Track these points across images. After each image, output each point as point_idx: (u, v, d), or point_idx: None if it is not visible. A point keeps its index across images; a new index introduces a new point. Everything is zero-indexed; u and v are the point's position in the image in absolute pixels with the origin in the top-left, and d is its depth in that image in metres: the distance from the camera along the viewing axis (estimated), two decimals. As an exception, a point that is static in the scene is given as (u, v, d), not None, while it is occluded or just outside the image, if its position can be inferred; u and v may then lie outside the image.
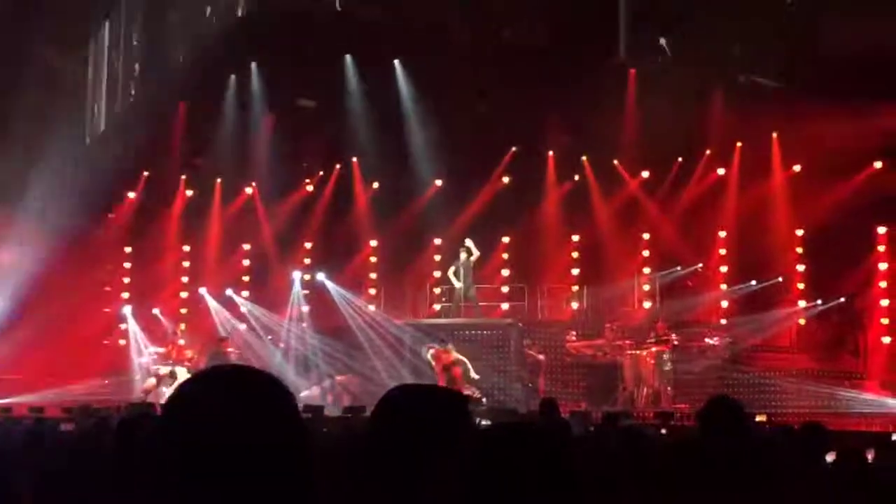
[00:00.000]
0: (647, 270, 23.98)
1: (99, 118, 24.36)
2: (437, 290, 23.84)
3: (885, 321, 22.89)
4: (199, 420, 1.79)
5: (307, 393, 20.95)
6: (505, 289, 24.25)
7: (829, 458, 7.20)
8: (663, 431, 14.52)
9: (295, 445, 1.83)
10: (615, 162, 24.35)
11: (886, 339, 22.44)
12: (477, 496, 1.76)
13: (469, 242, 21.82)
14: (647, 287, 23.79)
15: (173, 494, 1.76)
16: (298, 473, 1.82)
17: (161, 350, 21.08)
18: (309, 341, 23.05)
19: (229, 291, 23.56)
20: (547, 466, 1.78)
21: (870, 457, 8.85)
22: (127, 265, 25.53)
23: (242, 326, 23.38)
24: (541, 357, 21.42)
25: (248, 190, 25.26)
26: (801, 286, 23.40)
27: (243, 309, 23.47)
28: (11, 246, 21.81)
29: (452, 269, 21.98)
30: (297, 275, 24.00)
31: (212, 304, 23.31)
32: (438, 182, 24.51)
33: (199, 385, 1.87)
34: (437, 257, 24.39)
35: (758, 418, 16.45)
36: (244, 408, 1.80)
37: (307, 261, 25.09)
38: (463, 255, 21.86)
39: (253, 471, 1.76)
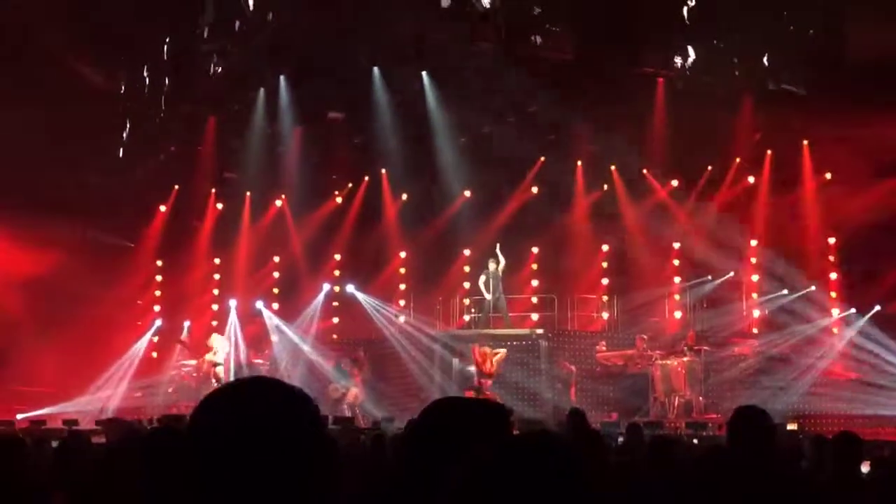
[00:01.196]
0: (677, 280, 23.84)
1: (131, 132, 24.60)
2: (467, 301, 23.83)
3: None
4: (224, 432, 1.80)
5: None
6: (534, 299, 24.19)
7: (864, 468, 7.12)
8: (695, 441, 14.43)
9: (319, 456, 1.84)
10: (644, 171, 24.25)
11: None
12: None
13: (497, 251, 21.82)
14: (677, 297, 23.65)
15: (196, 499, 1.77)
16: (323, 484, 1.83)
17: (192, 363, 21.22)
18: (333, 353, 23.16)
19: (259, 303, 23.66)
20: (566, 477, 1.78)
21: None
22: (158, 278, 25.74)
23: (274, 338, 23.45)
24: (572, 368, 21.35)
25: (278, 202, 25.39)
26: (833, 294, 23.18)
27: (270, 322, 23.51)
28: (47, 257, 22.04)
29: (483, 279, 21.96)
30: (324, 287, 24.07)
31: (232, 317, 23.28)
32: (467, 193, 24.52)
33: (223, 397, 1.89)
34: (467, 268, 24.38)
35: (789, 427, 16.32)
36: (268, 419, 1.81)
37: (336, 273, 25.19)
38: (492, 266, 21.84)
39: (278, 482, 1.77)
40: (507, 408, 2.66)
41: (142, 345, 23.87)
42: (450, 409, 2.58)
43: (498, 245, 21.92)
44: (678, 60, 21.96)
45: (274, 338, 23.35)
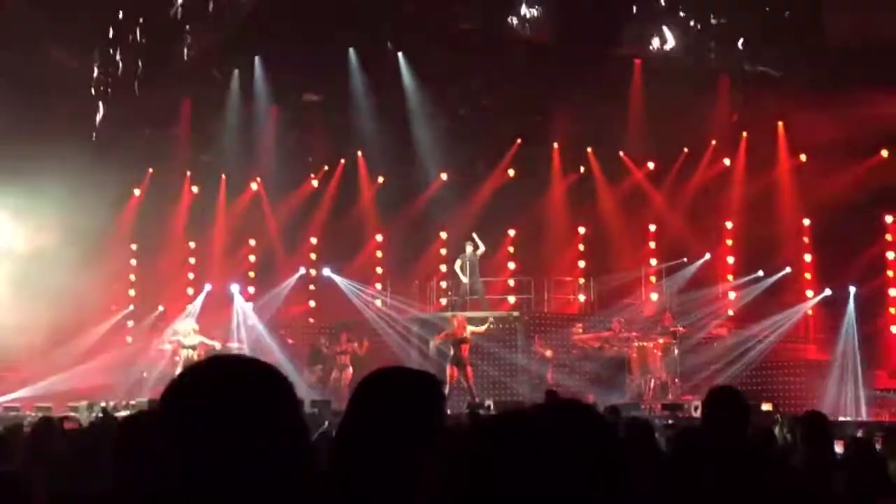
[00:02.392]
0: (653, 262, 23.91)
1: (105, 115, 24.37)
2: (444, 284, 23.82)
3: (893, 310, 22.83)
4: (197, 410, 1.77)
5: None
6: (511, 282, 24.22)
7: (839, 447, 7.17)
8: (670, 422, 14.50)
9: (295, 434, 1.81)
10: (621, 153, 24.29)
11: (895, 329, 22.36)
12: (478, 482, 1.73)
13: (475, 236, 21.79)
14: (653, 279, 23.74)
15: (170, 485, 1.74)
16: (299, 461, 1.80)
17: (167, 348, 21.14)
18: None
19: (234, 287, 23.52)
20: (552, 450, 1.76)
21: (878, 446, 8.83)
22: (133, 262, 25.58)
23: (250, 322, 23.36)
24: (548, 353, 21.39)
25: (254, 185, 25.25)
26: (808, 276, 23.32)
27: (241, 307, 23.39)
28: (21, 240, 21.90)
29: (458, 262, 21.94)
30: (300, 270, 23.98)
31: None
32: (444, 175, 24.48)
33: (195, 375, 1.86)
34: (444, 251, 24.37)
35: (763, 407, 16.43)
36: (242, 396, 1.79)
37: (313, 256, 25.13)
38: (469, 249, 21.82)
39: (252, 460, 1.74)
40: (438, 378, 2.65)
41: (109, 327, 23.70)
42: (382, 381, 2.58)
43: (475, 234, 21.88)
44: (655, 42, 21.96)
45: (249, 321, 23.28)
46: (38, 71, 21.21)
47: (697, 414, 15.53)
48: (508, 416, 1.68)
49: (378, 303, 23.54)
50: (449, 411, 16.26)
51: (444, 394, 2.59)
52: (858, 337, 21.12)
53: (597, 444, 1.61)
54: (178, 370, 18.83)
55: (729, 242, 23.84)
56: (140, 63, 23.54)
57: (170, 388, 1.85)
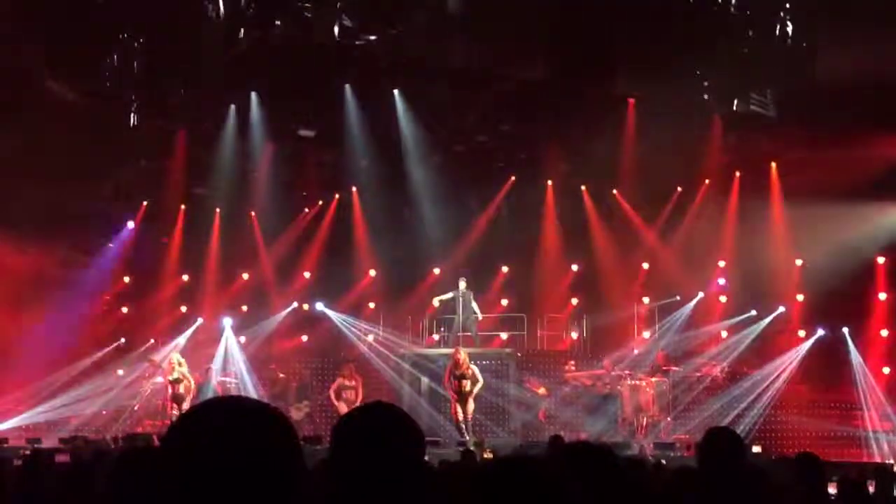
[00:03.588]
0: (646, 300, 23.94)
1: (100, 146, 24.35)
2: (437, 321, 23.81)
3: (885, 351, 22.87)
4: (199, 450, 1.77)
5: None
6: (503, 318, 24.22)
7: (832, 489, 7.16)
8: (663, 462, 14.45)
9: (293, 473, 1.82)
10: (614, 191, 24.40)
11: (886, 370, 22.38)
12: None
13: (462, 283, 21.81)
14: (646, 317, 23.72)
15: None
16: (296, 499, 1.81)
17: (160, 381, 21.06)
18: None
19: (226, 321, 23.47)
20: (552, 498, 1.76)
21: (871, 488, 8.81)
22: (125, 294, 25.51)
23: (242, 357, 23.29)
24: (541, 391, 21.38)
25: (248, 219, 25.24)
26: (800, 316, 23.36)
27: (232, 341, 23.35)
28: (12, 272, 21.85)
29: (450, 295, 21.93)
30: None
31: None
32: (438, 212, 24.52)
33: (197, 416, 1.86)
34: (437, 287, 24.35)
35: (754, 449, 16.40)
36: (243, 437, 1.79)
37: (306, 291, 25.10)
38: (462, 285, 21.86)
39: (253, 499, 1.75)
40: (412, 421, 2.65)
41: (99, 358, 23.62)
42: (359, 420, 2.59)
43: (464, 279, 21.90)
44: (649, 83, 22.05)
45: (241, 356, 23.23)
46: (28, 98, 21.21)
47: (689, 454, 15.49)
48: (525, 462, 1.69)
49: (370, 338, 23.52)
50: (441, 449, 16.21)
51: (419, 438, 2.58)
52: (871, 378, 21.23)
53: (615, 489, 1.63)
54: (170, 405, 18.85)
55: (721, 282, 23.88)
56: (136, 95, 23.54)
57: (171, 430, 1.85)
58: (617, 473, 2.38)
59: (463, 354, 19.08)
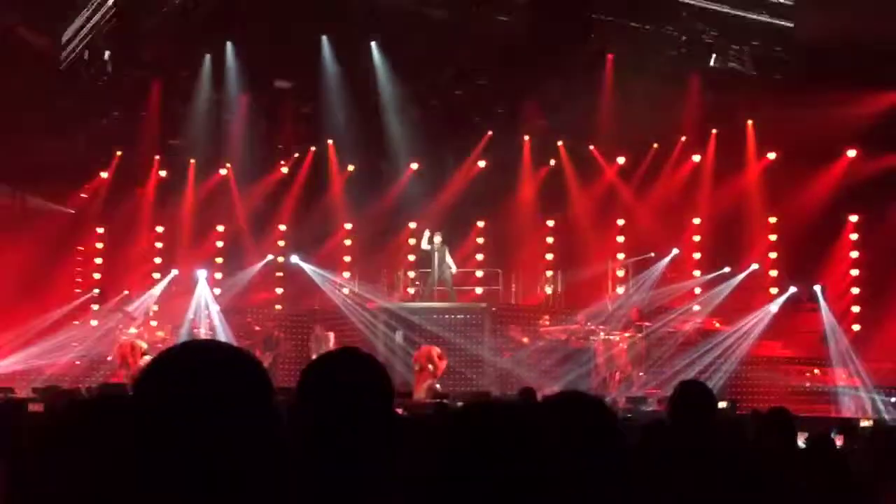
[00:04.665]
0: (621, 256, 24.04)
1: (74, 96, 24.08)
2: (412, 274, 23.84)
3: (855, 309, 23.12)
4: (172, 393, 1.77)
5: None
6: (479, 273, 24.28)
7: (801, 443, 7.26)
8: (629, 416, 14.62)
9: (267, 415, 1.82)
10: (591, 147, 24.38)
11: (856, 327, 22.64)
12: (452, 475, 1.75)
13: (437, 237, 21.84)
14: (620, 273, 23.86)
15: (147, 468, 1.74)
16: (270, 443, 1.81)
17: (133, 331, 21.02)
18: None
19: (200, 273, 23.40)
20: (527, 442, 1.78)
21: (838, 443, 8.94)
22: (99, 245, 25.38)
23: (216, 308, 23.28)
24: (525, 340, 21.55)
25: (223, 171, 25.09)
26: (773, 273, 23.56)
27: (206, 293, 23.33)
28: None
29: (426, 246, 21.93)
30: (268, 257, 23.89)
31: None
32: (414, 166, 24.46)
33: (170, 359, 1.86)
34: (412, 241, 24.36)
35: (721, 405, 16.57)
36: (216, 379, 1.79)
37: (281, 243, 25.06)
38: (437, 239, 21.89)
39: (226, 442, 1.75)
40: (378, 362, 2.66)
41: (73, 308, 23.56)
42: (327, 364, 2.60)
43: (438, 234, 21.91)
44: (628, 37, 21.95)
45: (215, 308, 23.21)
46: (3, 49, 20.92)
47: (661, 408, 15.66)
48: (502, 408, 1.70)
49: (345, 291, 23.54)
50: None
51: (383, 384, 2.59)
52: (840, 334, 21.48)
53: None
54: (140, 356, 18.78)
55: (696, 238, 24.01)
56: (109, 45, 23.23)
57: (143, 375, 1.85)
58: (608, 427, 2.39)
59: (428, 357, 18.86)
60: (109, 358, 21.79)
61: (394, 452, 2.40)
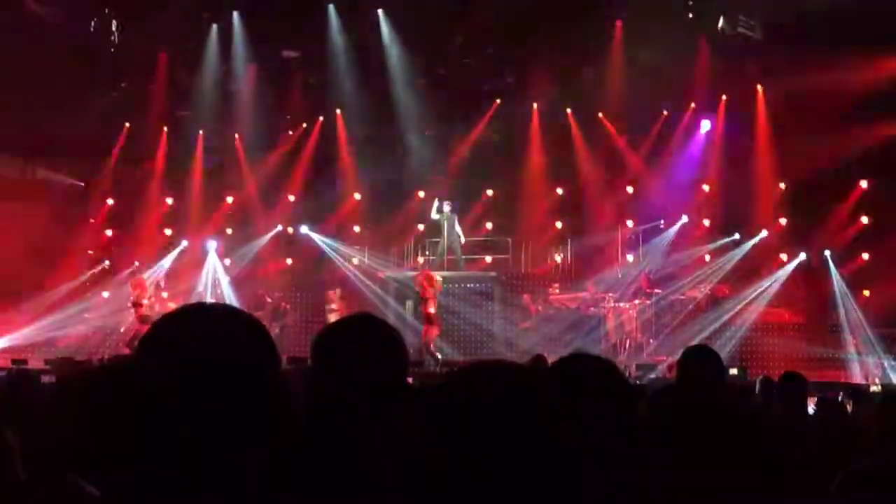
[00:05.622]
0: (630, 223, 23.98)
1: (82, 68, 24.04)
2: (423, 243, 23.86)
3: (864, 274, 23.03)
4: (175, 354, 1.77)
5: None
6: (488, 241, 24.27)
7: (810, 408, 7.27)
8: (643, 382, 14.65)
9: (269, 375, 1.82)
10: (600, 114, 24.25)
11: (866, 293, 22.56)
12: (457, 437, 1.75)
13: (446, 206, 21.87)
14: (629, 239, 23.79)
15: (151, 431, 1.74)
16: (273, 404, 1.81)
17: (144, 302, 21.07)
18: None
19: (210, 244, 23.47)
20: (529, 399, 1.78)
21: (849, 408, 8.95)
22: (109, 217, 25.42)
23: (226, 279, 23.36)
24: (535, 308, 21.63)
25: (231, 142, 25.06)
26: (782, 239, 23.47)
27: (213, 264, 23.41)
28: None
29: (435, 216, 21.99)
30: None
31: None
32: (423, 134, 24.39)
33: (173, 321, 1.86)
34: (421, 210, 24.33)
35: (731, 371, 16.59)
36: (219, 340, 1.79)
37: (290, 213, 25.06)
38: (446, 208, 21.89)
39: (229, 401, 1.75)
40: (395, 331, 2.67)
41: (84, 280, 23.66)
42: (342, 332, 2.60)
43: (449, 203, 21.93)
44: (637, 5, 21.79)
45: (225, 278, 23.30)
46: (9, 22, 20.86)
47: (671, 374, 15.68)
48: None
49: (355, 261, 23.58)
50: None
51: (396, 349, 2.59)
52: (851, 301, 21.44)
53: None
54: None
55: (705, 206, 23.92)
56: (117, 15, 23.15)
57: (146, 336, 1.84)
58: (618, 387, 2.38)
59: (421, 279, 18.90)
60: (122, 329, 21.90)
61: (405, 418, 2.40)
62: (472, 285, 21.88)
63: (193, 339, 1.79)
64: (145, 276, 21.79)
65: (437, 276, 19.09)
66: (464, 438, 1.70)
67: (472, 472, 1.67)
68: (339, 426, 2.43)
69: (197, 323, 1.83)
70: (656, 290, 21.11)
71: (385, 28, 22.97)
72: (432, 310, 18.46)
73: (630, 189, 24.38)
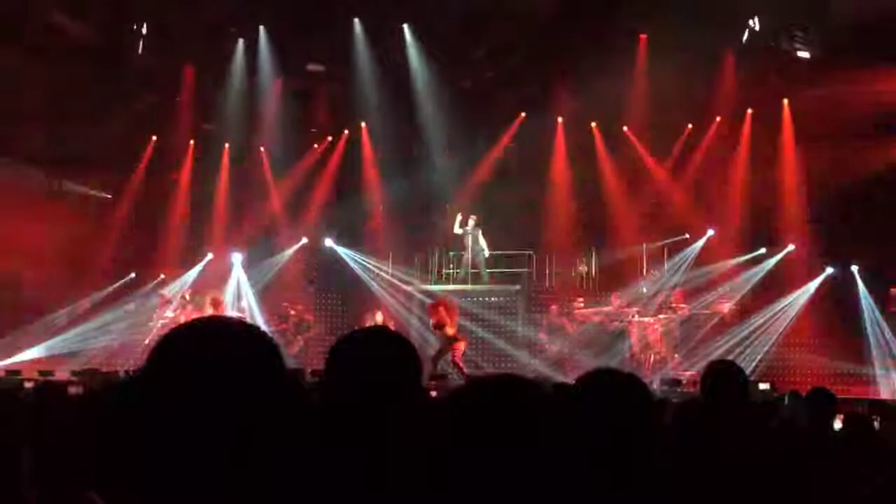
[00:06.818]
0: (654, 237, 23.86)
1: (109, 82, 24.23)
2: (451, 254, 23.86)
3: (893, 290, 22.81)
4: (182, 370, 1.77)
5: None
6: (512, 255, 24.22)
7: (837, 424, 7.21)
8: (665, 397, 14.56)
9: (280, 392, 1.81)
10: (624, 128, 24.20)
11: (894, 308, 22.34)
12: (463, 445, 1.74)
13: (471, 220, 21.91)
14: (655, 253, 23.71)
15: (157, 447, 1.74)
16: (282, 415, 1.80)
17: (171, 315, 21.18)
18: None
19: (235, 257, 23.57)
20: (540, 415, 1.77)
21: (876, 425, 8.87)
22: (135, 230, 25.56)
23: (251, 291, 23.45)
24: (558, 322, 21.52)
25: (257, 155, 25.19)
26: (809, 254, 23.30)
27: (238, 277, 23.50)
28: (19, 210, 21.88)
29: (459, 231, 22.01)
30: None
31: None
32: (447, 147, 24.42)
33: (180, 336, 1.85)
34: (445, 224, 24.35)
35: (761, 386, 16.48)
36: (228, 357, 1.78)
37: (315, 226, 25.13)
38: (471, 222, 21.91)
39: (237, 418, 1.74)
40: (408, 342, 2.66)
41: (109, 293, 23.81)
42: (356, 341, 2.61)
43: (473, 217, 21.97)
44: (661, 18, 21.76)
45: (250, 291, 23.38)
46: (40, 37, 21.07)
47: (696, 389, 15.59)
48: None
49: (380, 274, 23.61)
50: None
51: (409, 362, 2.59)
52: (878, 316, 21.25)
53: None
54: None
55: (731, 219, 23.78)
56: (144, 29, 23.34)
57: (154, 351, 1.84)
58: (642, 402, 2.37)
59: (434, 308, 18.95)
60: (147, 342, 22.00)
61: (419, 430, 2.40)
62: (495, 299, 21.86)
63: (196, 350, 1.79)
64: (168, 290, 21.92)
65: (449, 297, 19.14)
66: (469, 447, 1.70)
67: (477, 481, 1.67)
68: (351, 432, 2.44)
69: (201, 336, 1.83)
70: (682, 305, 21.01)
71: (410, 41, 23.06)
72: (451, 331, 18.46)
73: (655, 202, 24.28)
